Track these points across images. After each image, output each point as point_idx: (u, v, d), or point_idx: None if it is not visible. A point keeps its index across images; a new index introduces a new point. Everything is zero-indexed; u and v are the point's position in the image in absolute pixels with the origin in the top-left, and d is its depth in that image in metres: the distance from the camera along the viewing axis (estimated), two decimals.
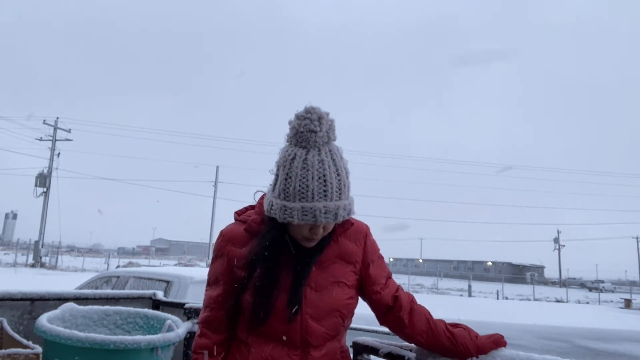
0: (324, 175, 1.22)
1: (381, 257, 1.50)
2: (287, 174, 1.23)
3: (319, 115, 1.23)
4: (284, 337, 1.31)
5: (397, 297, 1.42)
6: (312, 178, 1.21)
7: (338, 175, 1.24)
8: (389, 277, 1.48)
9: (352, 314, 1.42)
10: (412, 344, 1.55)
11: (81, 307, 2.11)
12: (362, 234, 1.44)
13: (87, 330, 2.06)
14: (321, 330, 1.32)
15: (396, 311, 1.41)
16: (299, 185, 1.21)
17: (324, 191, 1.21)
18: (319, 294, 1.32)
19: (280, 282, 1.31)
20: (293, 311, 1.29)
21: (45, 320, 1.83)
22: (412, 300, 1.46)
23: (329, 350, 1.36)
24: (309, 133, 1.22)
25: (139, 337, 1.79)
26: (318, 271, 1.34)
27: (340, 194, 1.24)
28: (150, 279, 4.97)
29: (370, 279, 1.41)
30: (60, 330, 1.73)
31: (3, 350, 1.61)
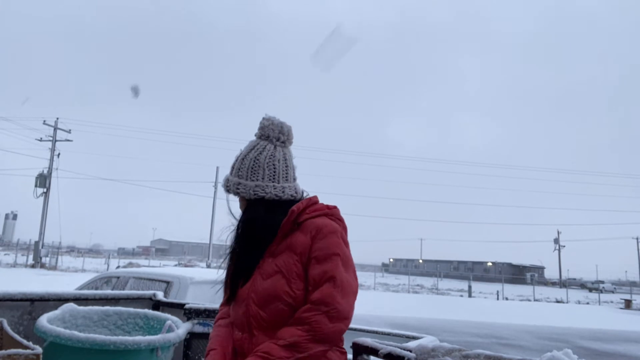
0: (237, 156, 1.60)
1: (330, 259, 1.44)
2: None
3: (271, 121, 1.61)
4: (237, 320, 1.51)
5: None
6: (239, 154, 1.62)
7: (241, 160, 1.58)
8: (328, 282, 1.41)
9: (302, 302, 1.43)
10: (410, 345, 1.55)
11: (81, 308, 2.11)
12: (315, 228, 1.49)
13: (87, 330, 2.06)
14: (263, 316, 1.44)
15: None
16: None
17: (231, 167, 1.60)
18: (264, 282, 1.46)
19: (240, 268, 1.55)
20: (232, 295, 1.55)
21: (45, 321, 1.83)
22: (304, 311, 1.40)
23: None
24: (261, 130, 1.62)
25: (139, 338, 1.79)
26: (269, 260, 1.49)
27: (237, 173, 1.56)
28: (150, 279, 4.97)
29: (309, 276, 1.44)
30: (61, 330, 1.73)
31: (3, 351, 1.61)
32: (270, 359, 1.33)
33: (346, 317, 1.42)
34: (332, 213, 1.58)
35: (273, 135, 1.59)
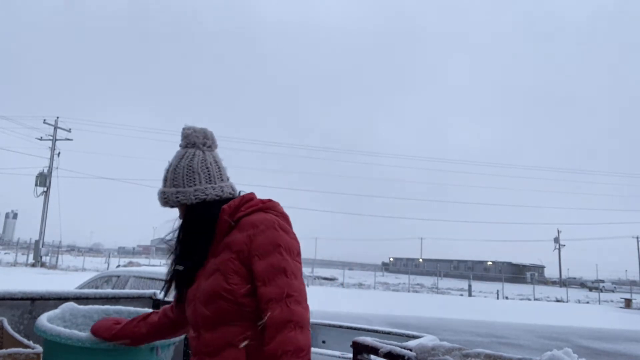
0: (167, 168, 1.65)
1: (272, 252, 1.45)
2: None
3: (193, 129, 1.68)
4: (189, 320, 1.57)
5: (265, 308, 1.41)
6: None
7: (166, 171, 1.64)
8: (277, 274, 1.42)
9: (241, 297, 1.45)
10: (410, 344, 1.55)
11: (81, 307, 2.10)
12: (251, 224, 1.51)
13: (87, 329, 2.06)
14: (206, 314, 1.47)
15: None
16: None
17: (163, 179, 1.65)
18: (206, 281, 1.50)
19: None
20: (180, 296, 1.63)
21: (45, 320, 1.82)
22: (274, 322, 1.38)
23: (224, 333, 1.46)
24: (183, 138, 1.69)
25: None
26: (211, 260, 1.53)
27: (173, 183, 1.61)
28: (150, 278, 4.97)
29: (254, 273, 1.46)
30: (61, 330, 1.72)
31: (3, 350, 1.61)
32: None
33: (306, 298, 1.46)
34: (267, 207, 1.60)
35: (199, 141, 1.66)
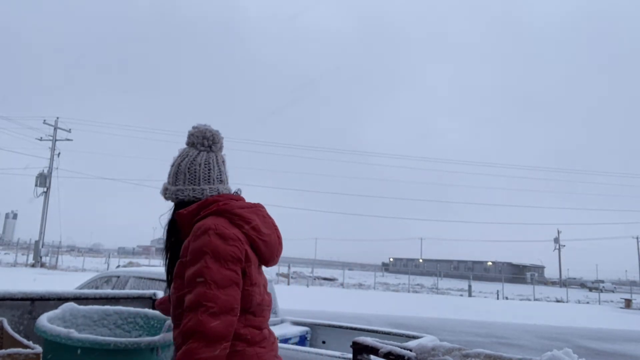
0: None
1: (197, 260, 1.45)
2: None
3: (197, 129, 1.74)
4: None
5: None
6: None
7: (171, 167, 1.72)
8: (196, 283, 1.43)
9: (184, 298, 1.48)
10: (410, 344, 1.55)
11: (81, 307, 2.10)
12: (193, 231, 1.54)
13: (87, 330, 2.06)
14: (175, 314, 1.57)
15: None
16: None
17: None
18: (174, 283, 1.60)
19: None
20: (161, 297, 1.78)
21: (45, 320, 1.82)
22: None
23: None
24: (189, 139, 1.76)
25: (139, 338, 1.79)
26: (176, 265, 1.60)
27: (167, 180, 1.71)
28: (150, 278, 4.96)
29: (184, 280, 1.49)
30: (61, 330, 1.72)
31: (3, 350, 1.61)
32: None
33: (231, 309, 1.42)
34: (222, 210, 1.58)
35: (197, 141, 1.71)
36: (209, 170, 1.68)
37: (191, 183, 1.66)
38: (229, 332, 1.40)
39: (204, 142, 1.71)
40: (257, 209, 1.69)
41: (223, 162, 1.75)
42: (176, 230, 1.67)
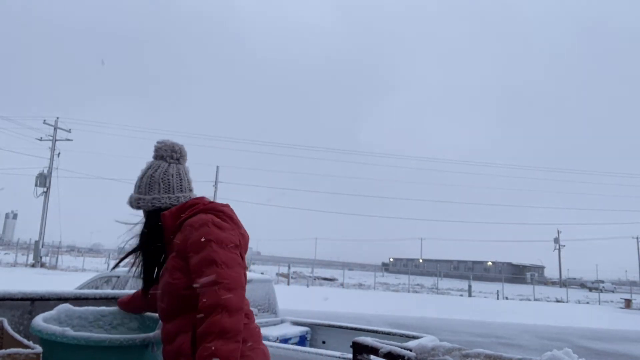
0: (139, 176, 1.87)
1: (204, 247, 1.60)
2: None
3: (164, 143, 1.90)
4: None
5: (199, 296, 1.56)
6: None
7: (141, 178, 1.85)
8: (207, 265, 1.57)
9: (183, 290, 1.63)
10: (410, 344, 1.55)
11: (77, 308, 2.10)
12: (189, 225, 1.68)
13: (83, 330, 2.05)
14: (163, 307, 1.71)
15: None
16: None
17: (134, 186, 1.87)
18: (160, 280, 1.75)
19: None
20: (147, 293, 1.92)
21: (40, 320, 1.83)
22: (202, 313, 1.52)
23: (177, 323, 1.65)
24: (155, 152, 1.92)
25: (134, 335, 1.79)
26: (167, 260, 1.74)
27: (137, 190, 1.84)
28: None
29: (190, 267, 1.63)
30: (56, 328, 1.73)
31: (3, 350, 1.61)
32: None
33: (242, 285, 1.60)
34: (208, 208, 1.76)
35: (166, 154, 1.88)
36: (180, 180, 1.86)
37: (166, 192, 1.82)
38: (243, 304, 1.57)
39: (172, 154, 1.89)
40: (231, 207, 1.87)
41: (188, 172, 1.94)
42: (159, 234, 1.79)
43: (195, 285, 1.57)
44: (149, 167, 1.87)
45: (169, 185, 1.84)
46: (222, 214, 1.75)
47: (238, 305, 1.52)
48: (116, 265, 2.06)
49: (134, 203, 1.83)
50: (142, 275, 1.90)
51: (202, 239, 1.61)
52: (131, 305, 2.11)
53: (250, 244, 2.00)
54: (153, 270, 1.86)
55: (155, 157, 1.90)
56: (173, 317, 1.67)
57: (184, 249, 1.65)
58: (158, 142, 1.90)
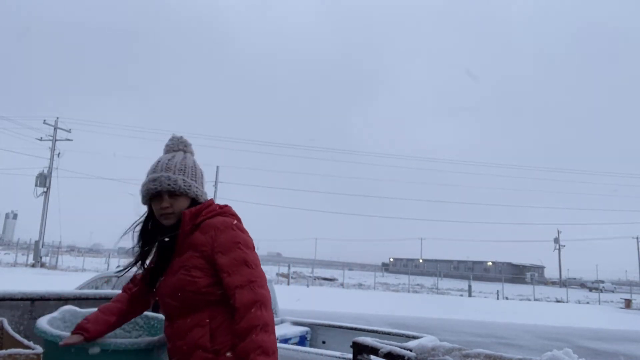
0: (158, 160, 1.81)
1: (233, 248, 1.66)
2: None
3: (176, 138, 1.90)
4: (162, 312, 1.78)
5: (233, 294, 1.61)
6: (153, 163, 1.81)
7: (169, 160, 1.79)
8: (240, 265, 1.64)
9: (204, 288, 1.65)
10: (410, 344, 1.55)
11: (81, 310, 2.10)
12: (213, 227, 1.70)
13: None
14: (175, 305, 1.68)
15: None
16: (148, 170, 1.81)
17: (154, 168, 1.78)
18: (172, 277, 1.70)
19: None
20: (153, 290, 1.83)
21: (45, 322, 1.83)
22: (243, 306, 1.57)
23: (193, 318, 1.66)
24: (165, 147, 1.90)
25: (138, 339, 1.79)
26: (177, 258, 1.73)
27: (168, 169, 1.76)
28: None
29: (219, 266, 1.65)
30: (61, 331, 1.73)
31: (4, 351, 1.61)
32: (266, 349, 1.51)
33: (266, 281, 1.70)
34: (224, 211, 1.80)
35: (188, 150, 1.90)
36: (203, 175, 1.87)
37: (201, 185, 1.83)
38: (271, 300, 1.67)
39: (187, 147, 1.90)
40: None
41: None
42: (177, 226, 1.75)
43: (227, 284, 1.61)
44: (184, 157, 1.84)
45: (202, 179, 1.85)
46: (237, 218, 1.80)
47: (270, 300, 1.63)
48: (140, 258, 1.86)
49: (182, 186, 1.74)
50: (149, 270, 1.84)
51: (231, 241, 1.67)
52: (96, 331, 1.72)
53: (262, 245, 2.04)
54: (165, 269, 1.78)
55: (181, 150, 1.87)
56: (187, 314, 1.67)
57: (209, 249, 1.67)
58: (174, 137, 1.90)
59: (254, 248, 1.74)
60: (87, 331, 1.69)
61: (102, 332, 1.73)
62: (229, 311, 1.63)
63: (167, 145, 1.90)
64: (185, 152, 1.88)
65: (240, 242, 1.69)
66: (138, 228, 1.85)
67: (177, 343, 1.67)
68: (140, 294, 1.89)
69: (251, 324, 1.53)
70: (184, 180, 1.75)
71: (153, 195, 1.75)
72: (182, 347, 1.64)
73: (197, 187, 1.79)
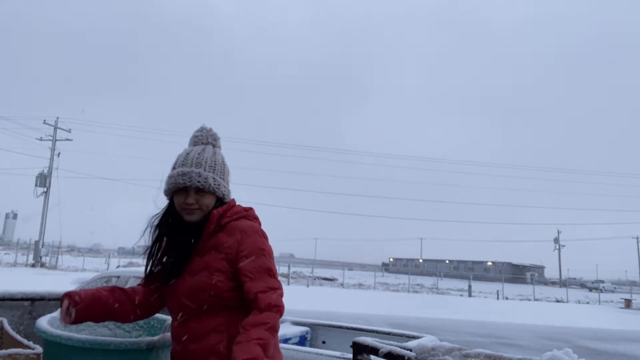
0: (188, 153, 1.73)
1: (259, 255, 1.64)
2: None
3: (205, 130, 1.82)
4: (171, 308, 1.72)
5: (255, 298, 1.58)
6: (181, 155, 1.73)
7: (199, 155, 1.71)
8: (263, 272, 1.62)
9: (225, 292, 1.62)
10: (410, 344, 1.55)
11: None
12: (239, 230, 1.67)
13: (88, 330, 2.06)
14: (192, 307, 1.62)
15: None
16: (174, 161, 1.73)
17: (184, 161, 1.70)
18: (192, 278, 1.64)
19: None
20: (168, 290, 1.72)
21: (45, 322, 1.83)
22: (262, 307, 1.55)
23: (210, 322, 1.62)
24: (194, 138, 1.80)
25: (139, 338, 1.79)
26: (197, 258, 1.67)
27: (199, 165, 1.68)
28: None
29: (240, 270, 1.62)
30: (61, 331, 1.73)
31: (4, 350, 1.61)
32: (262, 342, 1.48)
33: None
34: (249, 215, 1.77)
35: (217, 144, 1.82)
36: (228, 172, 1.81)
37: (228, 184, 1.77)
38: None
39: (218, 142, 1.83)
40: None
41: None
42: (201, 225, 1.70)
43: (249, 288, 1.58)
44: (214, 152, 1.76)
45: (229, 177, 1.79)
46: (259, 223, 1.78)
47: (283, 314, 1.62)
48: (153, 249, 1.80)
49: (212, 184, 1.68)
50: (169, 267, 1.71)
51: (258, 247, 1.65)
52: (88, 313, 1.68)
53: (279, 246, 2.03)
54: (182, 268, 1.68)
55: (210, 143, 1.80)
56: (204, 316, 1.62)
57: (234, 252, 1.63)
58: (202, 128, 1.82)
59: (272, 256, 1.73)
60: (72, 296, 1.64)
61: (89, 301, 1.65)
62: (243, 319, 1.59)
63: (195, 137, 1.80)
64: (214, 146, 1.80)
65: (265, 250, 1.67)
66: (156, 221, 1.79)
67: (189, 346, 1.62)
68: (146, 296, 1.81)
69: (263, 320, 1.52)
70: (214, 178, 1.69)
71: (179, 188, 1.68)
72: (197, 350, 1.60)
73: (224, 187, 1.74)
